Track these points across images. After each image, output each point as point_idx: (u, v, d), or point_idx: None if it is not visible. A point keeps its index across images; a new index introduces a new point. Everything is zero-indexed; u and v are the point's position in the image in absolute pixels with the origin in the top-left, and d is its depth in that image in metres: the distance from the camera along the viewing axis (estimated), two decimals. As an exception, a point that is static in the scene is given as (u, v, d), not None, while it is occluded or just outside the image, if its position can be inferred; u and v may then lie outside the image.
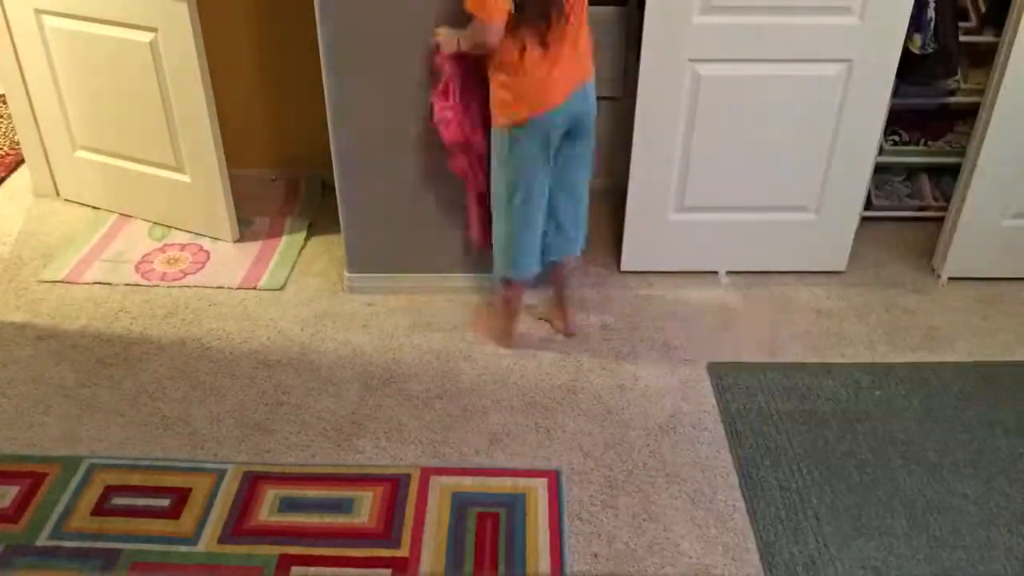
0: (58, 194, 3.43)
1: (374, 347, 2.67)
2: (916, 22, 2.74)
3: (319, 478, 2.20)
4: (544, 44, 2.15)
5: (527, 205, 2.37)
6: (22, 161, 3.56)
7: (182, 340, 2.68)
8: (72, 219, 3.30)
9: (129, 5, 2.80)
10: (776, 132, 2.75)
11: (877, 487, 2.19)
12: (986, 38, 2.95)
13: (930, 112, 3.19)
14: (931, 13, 2.79)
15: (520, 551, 2.01)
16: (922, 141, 3.18)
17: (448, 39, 2.30)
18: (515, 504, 2.13)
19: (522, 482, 2.20)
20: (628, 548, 2.04)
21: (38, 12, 2.99)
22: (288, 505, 2.13)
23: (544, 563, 1.99)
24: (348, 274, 2.89)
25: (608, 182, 3.26)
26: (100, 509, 2.11)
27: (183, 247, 3.15)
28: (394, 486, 2.18)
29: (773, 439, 2.33)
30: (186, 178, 3.09)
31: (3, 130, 3.91)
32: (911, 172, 3.31)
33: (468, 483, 2.19)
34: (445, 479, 2.20)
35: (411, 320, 2.79)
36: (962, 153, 2.91)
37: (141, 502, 2.13)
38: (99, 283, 2.93)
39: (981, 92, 2.80)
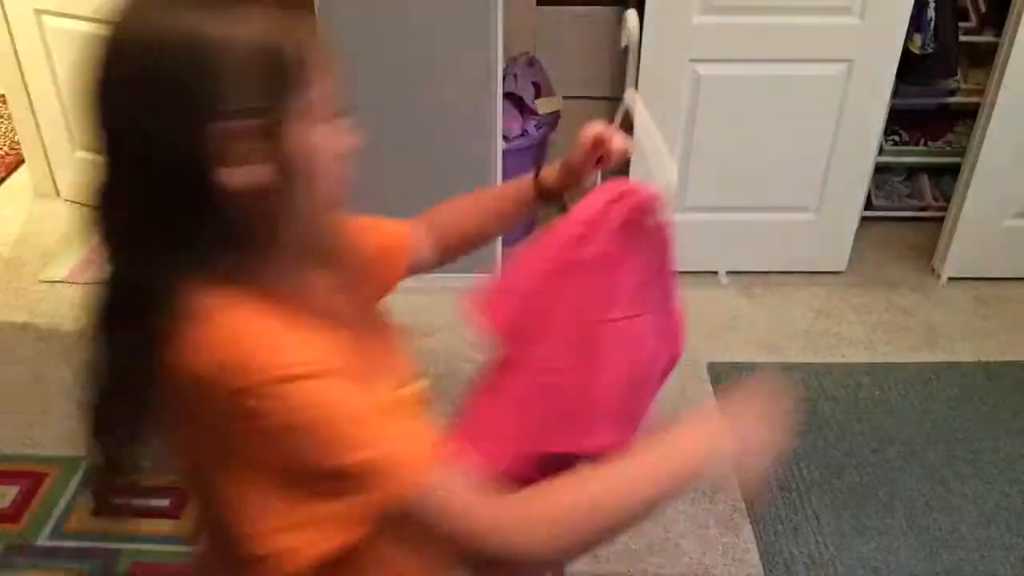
0: (58, 194, 3.43)
1: (374, 347, 2.66)
2: (916, 22, 2.73)
3: (319, 478, 2.20)
4: None
5: None
6: (22, 161, 3.55)
7: (182, 340, 2.68)
8: (72, 219, 3.30)
9: (129, 5, 2.80)
10: (776, 132, 2.74)
11: (877, 487, 2.19)
12: (986, 38, 2.95)
13: (930, 112, 3.19)
14: (931, 13, 2.79)
15: (520, 551, 2.01)
16: (922, 141, 3.18)
17: None
18: (515, 504, 2.13)
19: (522, 482, 2.19)
20: (628, 548, 2.03)
21: (38, 12, 2.99)
22: (288, 505, 2.12)
23: (544, 563, 1.98)
24: (348, 274, 2.89)
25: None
26: (100, 509, 2.11)
27: (183, 247, 3.15)
28: (394, 486, 2.17)
29: (773, 439, 2.33)
30: (186, 178, 3.09)
31: (3, 130, 3.91)
32: (911, 172, 3.31)
33: (468, 483, 2.19)
34: (445, 479, 2.19)
35: (411, 320, 2.79)
36: (962, 153, 2.91)
37: (141, 502, 2.13)
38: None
39: (981, 92, 2.80)
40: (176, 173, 0.74)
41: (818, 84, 2.67)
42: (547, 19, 3.18)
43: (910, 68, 2.81)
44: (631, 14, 1.70)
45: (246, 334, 0.74)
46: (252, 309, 0.76)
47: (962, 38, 2.94)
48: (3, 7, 3.04)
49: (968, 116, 3.01)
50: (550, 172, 1.12)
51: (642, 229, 1.08)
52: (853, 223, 2.95)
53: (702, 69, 2.64)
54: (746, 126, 2.73)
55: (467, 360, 2.61)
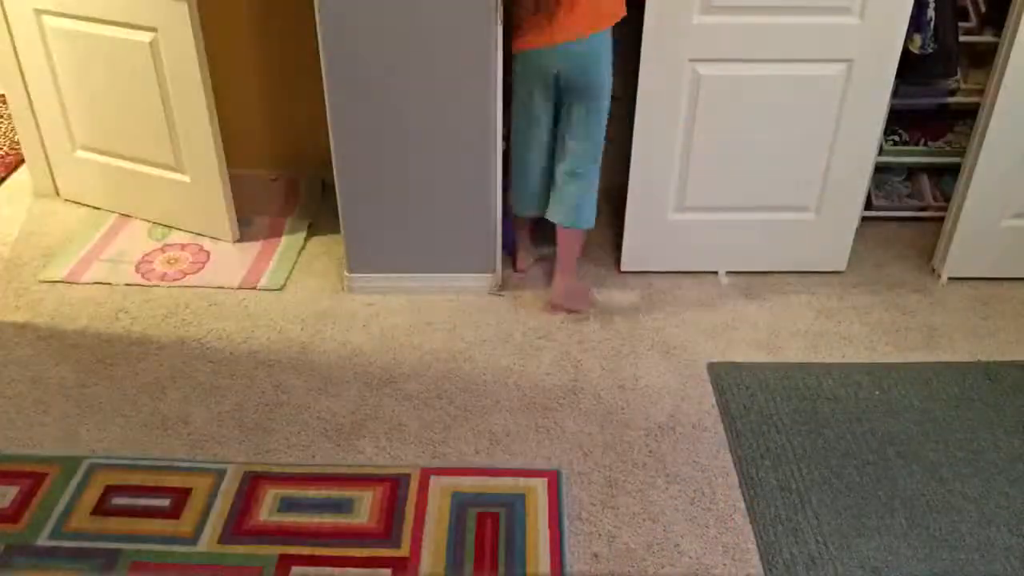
0: (58, 194, 3.43)
1: (374, 347, 2.67)
2: (916, 22, 2.74)
3: (319, 478, 2.20)
4: None
5: (518, 139, 2.67)
6: (22, 161, 3.56)
7: (182, 340, 2.68)
8: (72, 219, 3.30)
9: (129, 5, 2.80)
10: (776, 132, 2.75)
11: (877, 487, 2.19)
12: (986, 38, 2.95)
13: (930, 112, 3.19)
14: (931, 13, 2.79)
15: (520, 551, 2.01)
16: (922, 141, 3.18)
17: None
18: (515, 504, 2.13)
19: (522, 482, 2.20)
20: (628, 548, 2.04)
21: (38, 12, 2.99)
22: (288, 505, 2.13)
23: (544, 563, 1.99)
24: (348, 274, 2.89)
25: (608, 182, 3.26)
26: (100, 509, 2.11)
27: (183, 247, 3.15)
28: (394, 486, 2.18)
29: (773, 439, 2.33)
30: (186, 178, 3.09)
31: (3, 130, 3.91)
32: (911, 172, 3.31)
33: (468, 483, 2.19)
34: (445, 479, 2.20)
35: (411, 320, 2.79)
36: (962, 153, 2.91)
37: (141, 502, 2.13)
38: (99, 283, 2.93)
39: (981, 92, 2.80)
40: None
41: (818, 84, 2.67)
42: (547, 19, 3.18)
43: (910, 68, 2.81)
44: None
45: None
46: None
47: (962, 38, 2.94)
48: (3, 7, 3.05)
49: (968, 116, 3.01)
50: None
51: None
52: (853, 223, 2.96)
53: (702, 69, 2.65)
54: (746, 126, 2.74)
55: (467, 360, 2.62)
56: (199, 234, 3.21)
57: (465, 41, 2.48)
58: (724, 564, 2.00)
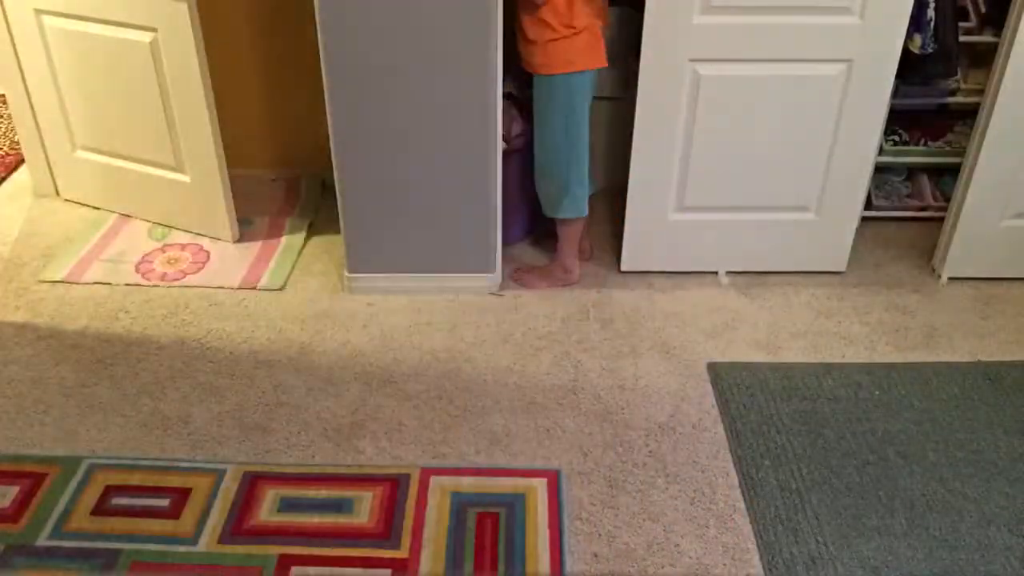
0: (58, 194, 3.43)
1: (374, 347, 2.67)
2: (916, 22, 2.74)
3: (319, 478, 2.20)
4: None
5: (580, 145, 2.72)
6: (22, 161, 3.56)
7: (182, 340, 2.68)
8: (72, 219, 3.30)
9: (129, 5, 2.80)
10: (776, 132, 2.75)
11: (877, 487, 2.19)
12: (986, 38, 2.95)
13: (930, 112, 3.19)
14: (931, 13, 2.79)
15: (520, 551, 2.01)
16: (922, 141, 3.18)
17: None
18: (515, 504, 2.13)
19: (522, 482, 2.20)
20: (628, 548, 2.04)
21: (38, 12, 2.99)
22: (288, 505, 2.13)
23: (544, 563, 1.99)
24: (348, 274, 2.89)
25: (608, 182, 3.26)
26: (100, 509, 2.11)
27: (183, 247, 3.15)
28: (394, 486, 2.18)
29: (773, 439, 2.33)
30: (186, 178, 3.09)
31: (3, 130, 3.91)
32: (911, 172, 3.31)
33: (468, 483, 2.19)
34: (445, 479, 2.20)
35: (411, 320, 2.79)
36: (962, 153, 2.91)
37: (141, 502, 2.13)
38: (99, 283, 2.93)
39: (981, 92, 2.80)
40: None
41: (818, 84, 2.67)
42: (547, 19, 3.18)
43: (910, 68, 2.81)
44: None
45: None
46: None
47: (962, 38, 2.94)
48: (3, 7, 3.05)
49: (968, 116, 3.01)
50: None
51: None
52: (853, 223, 2.96)
53: (702, 69, 2.65)
54: (746, 126, 2.73)
55: (467, 360, 2.62)
56: (199, 234, 3.21)
57: (465, 41, 2.48)
58: (724, 564, 2.00)
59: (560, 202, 2.79)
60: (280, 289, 2.93)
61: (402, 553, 2.01)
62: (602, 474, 2.23)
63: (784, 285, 2.97)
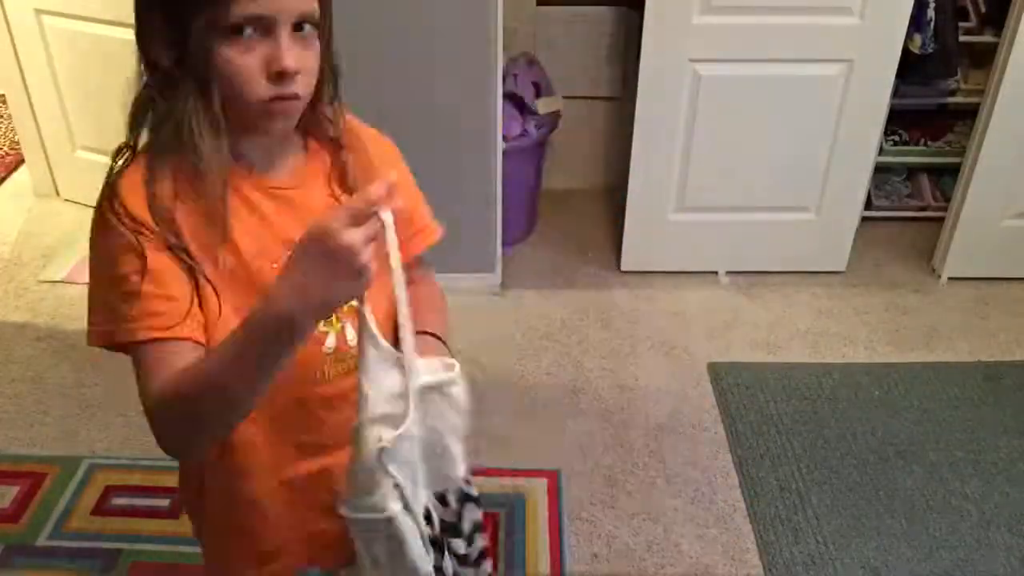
0: (58, 194, 3.43)
1: (374, 347, 2.66)
2: (916, 22, 2.74)
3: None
4: None
5: None
6: (22, 161, 3.55)
7: (182, 340, 2.68)
8: (72, 219, 3.30)
9: (129, 5, 2.79)
10: (776, 132, 2.75)
11: (877, 487, 2.19)
12: (986, 38, 2.95)
13: (930, 112, 3.19)
14: (931, 13, 2.79)
15: (520, 551, 2.01)
16: (922, 141, 3.18)
17: None
18: (515, 504, 2.13)
19: (522, 482, 2.20)
20: (628, 548, 2.04)
21: (38, 12, 2.99)
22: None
23: (544, 563, 1.99)
24: (348, 274, 2.89)
25: (608, 182, 3.26)
26: (100, 509, 2.11)
27: (183, 247, 3.15)
28: (394, 486, 2.18)
29: (773, 439, 2.33)
30: (186, 178, 3.09)
31: (3, 130, 3.91)
32: (911, 172, 3.31)
33: (468, 483, 2.19)
34: (445, 479, 2.20)
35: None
36: (962, 153, 2.91)
37: (141, 502, 2.13)
38: (99, 283, 2.93)
39: (981, 92, 2.80)
40: (137, 39, 0.96)
41: (818, 84, 2.67)
42: (547, 19, 3.18)
43: (910, 68, 2.81)
44: None
45: (120, 177, 0.95)
46: (159, 170, 0.93)
47: (962, 38, 2.94)
48: (3, 7, 3.04)
49: (968, 116, 3.01)
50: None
51: None
52: (853, 223, 2.95)
53: (702, 69, 2.64)
54: (746, 126, 2.73)
55: (467, 360, 2.61)
56: (199, 234, 3.21)
57: (465, 41, 2.48)
58: (724, 564, 2.00)
59: None
60: (280, 289, 2.93)
61: (402, 553, 2.01)
62: (602, 474, 2.23)
63: (784, 285, 2.97)
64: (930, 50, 2.84)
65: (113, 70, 3.30)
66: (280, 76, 0.89)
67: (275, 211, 0.98)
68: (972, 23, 2.99)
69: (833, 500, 2.16)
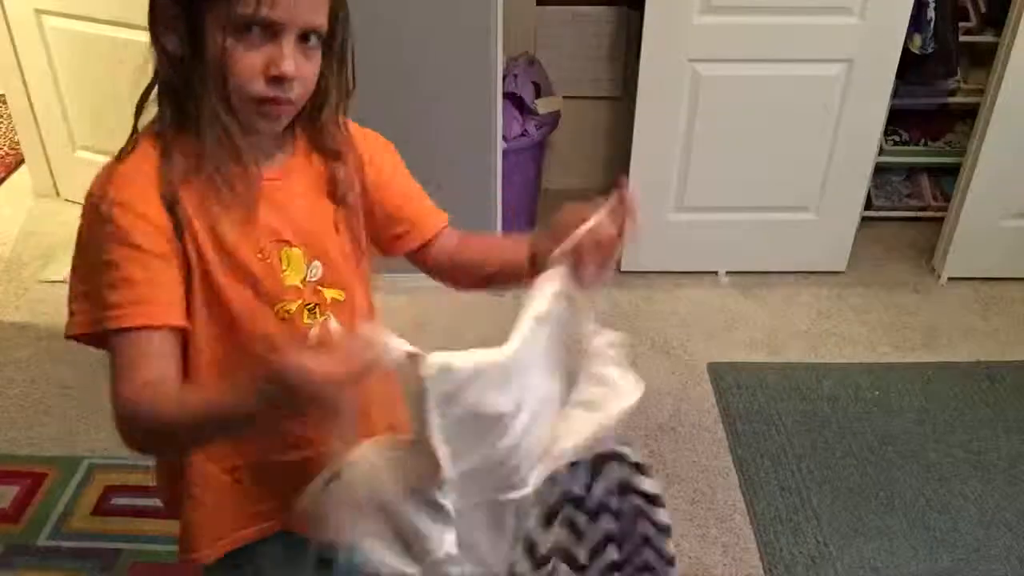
0: (58, 194, 3.43)
1: (374, 347, 2.66)
2: (916, 22, 2.74)
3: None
4: None
5: None
6: (22, 161, 3.55)
7: (182, 340, 2.68)
8: (72, 219, 3.26)
9: (129, 5, 2.78)
10: (776, 132, 2.75)
11: (877, 487, 2.19)
12: (986, 38, 2.95)
13: (930, 112, 3.19)
14: (931, 13, 2.79)
15: (520, 551, 2.01)
16: (922, 141, 3.18)
17: None
18: (515, 504, 2.13)
19: (522, 482, 2.19)
20: (628, 548, 2.03)
21: (38, 12, 2.99)
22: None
23: (544, 563, 1.98)
24: (348, 274, 2.89)
25: (608, 182, 3.26)
26: (100, 509, 2.11)
27: (183, 247, 3.15)
28: (394, 486, 2.17)
29: (773, 439, 2.33)
30: (186, 178, 3.09)
31: (3, 130, 3.91)
32: (911, 172, 3.31)
33: (468, 483, 2.19)
34: (445, 479, 2.20)
35: (410, 320, 2.79)
36: (962, 153, 2.91)
37: (141, 502, 2.13)
38: (99, 283, 2.93)
39: (981, 92, 2.80)
40: (149, 25, 0.95)
41: (818, 84, 2.67)
42: (547, 19, 3.18)
43: (910, 68, 2.81)
44: None
45: (117, 165, 0.98)
46: (156, 155, 0.97)
47: (962, 38, 2.94)
48: (3, 7, 3.04)
49: (968, 116, 3.01)
50: (541, 237, 1.08)
51: None
52: (853, 223, 2.95)
53: (702, 69, 2.64)
54: (746, 126, 2.73)
55: (467, 360, 2.61)
56: (199, 234, 3.21)
57: (465, 41, 2.48)
58: (724, 564, 2.00)
59: None
60: (280, 289, 2.93)
61: (402, 553, 2.01)
62: (602, 474, 2.23)
63: (784, 285, 2.97)
64: (930, 50, 2.84)
65: (113, 70, 3.32)
66: (277, 79, 0.92)
67: (259, 202, 1.00)
68: (972, 23, 2.99)
69: (833, 500, 2.16)
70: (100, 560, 1.98)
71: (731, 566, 2.00)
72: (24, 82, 3.18)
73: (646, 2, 2.54)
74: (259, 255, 0.99)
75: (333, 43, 1.01)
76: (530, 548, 0.99)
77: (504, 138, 2.74)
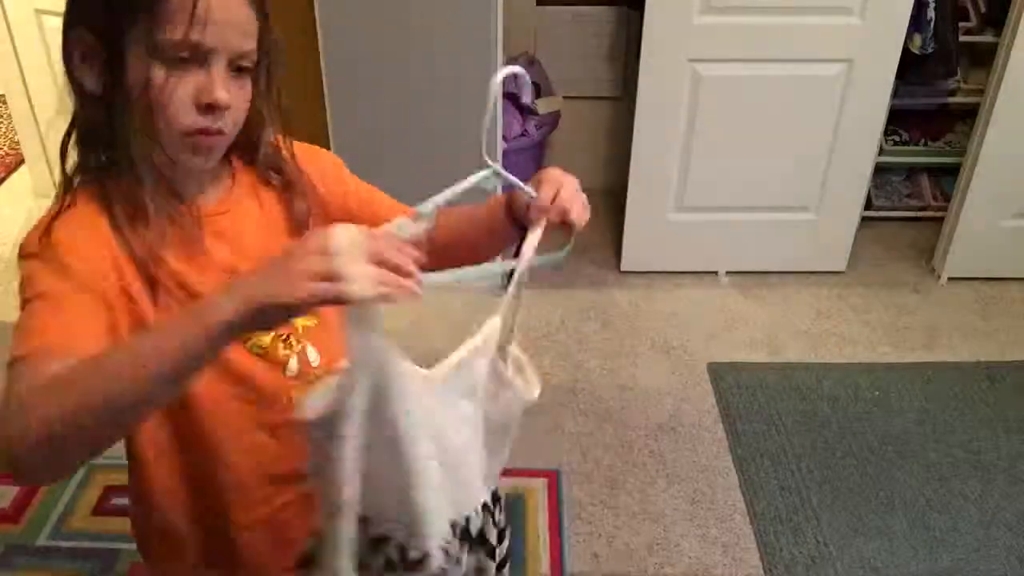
0: (58, 194, 3.43)
1: (374, 347, 2.66)
2: (916, 22, 2.74)
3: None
4: None
5: None
6: (22, 161, 3.55)
7: (182, 340, 2.68)
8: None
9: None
10: (776, 132, 2.75)
11: (877, 487, 2.19)
12: (986, 38, 2.95)
13: (930, 112, 3.19)
14: (931, 13, 2.79)
15: (520, 551, 2.01)
16: (922, 141, 3.18)
17: None
18: (515, 504, 2.13)
19: (522, 482, 2.19)
20: (628, 548, 2.04)
21: (38, 12, 2.99)
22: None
23: (544, 563, 1.99)
24: (348, 274, 2.89)
25: (608, 182, 3.26)
26: (100, 509, 2.11)
27: (183, 247, 3.15)
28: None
29: (773, 439, 2.33)
30: (186, 178, 3.09)
31: (3, 130, 3.91)
32: (911, 172, 3.31)
33: (468, 483, 2.19)
34: (445, 479, 2.20)
35: (410, 320, 2.79)
36: (962, 153, 2.91)
37: (141, 502, 2.13)
38: (99, 283, 2.93)
39: (981, 92, 2.80)
40: (64, 62, 0.87)
41: (818, 84, 2.67)
42: (547, 19, 3.19)
43: (910, 68, 2.81)
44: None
45: (51, 217, 0.86)
46: (92, 205, 0.87)
47: (962, 38, 2.95)
48: (3, 7, 3.04)
49: (968, 116, 3.01)
50: (520, 199, 1.05)
51: None
52: (853, 223, 2.95)
53: (702, 69, 2.65)
54: (746, 126, 2.74)
55: (467, 360, 2.61)
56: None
57: (465, 41, 2.48)
58: (724, 564, 2.00)
59: None
60: (280, 289, 2.93)
61: (402, 553, 2.01)
62: (602, 474, 2.23)
63: (784, 285, 2.97)
64: (930, 50, 2.84)
65: (113, 70, 3.25)
66: (209, 108, 0.85)
67: (206, 237, 0.94)
68: (972, 23, 2.99)
69: (833, 500, 2.16)
70: (100, 560, 1.98)
71: (731, 566, 2.00)
72: (24, 82, 3.18)
73: (646, 2, 2.54)
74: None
75: (260, 67, 0.92)
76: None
77: (504, 138, 2.74)
